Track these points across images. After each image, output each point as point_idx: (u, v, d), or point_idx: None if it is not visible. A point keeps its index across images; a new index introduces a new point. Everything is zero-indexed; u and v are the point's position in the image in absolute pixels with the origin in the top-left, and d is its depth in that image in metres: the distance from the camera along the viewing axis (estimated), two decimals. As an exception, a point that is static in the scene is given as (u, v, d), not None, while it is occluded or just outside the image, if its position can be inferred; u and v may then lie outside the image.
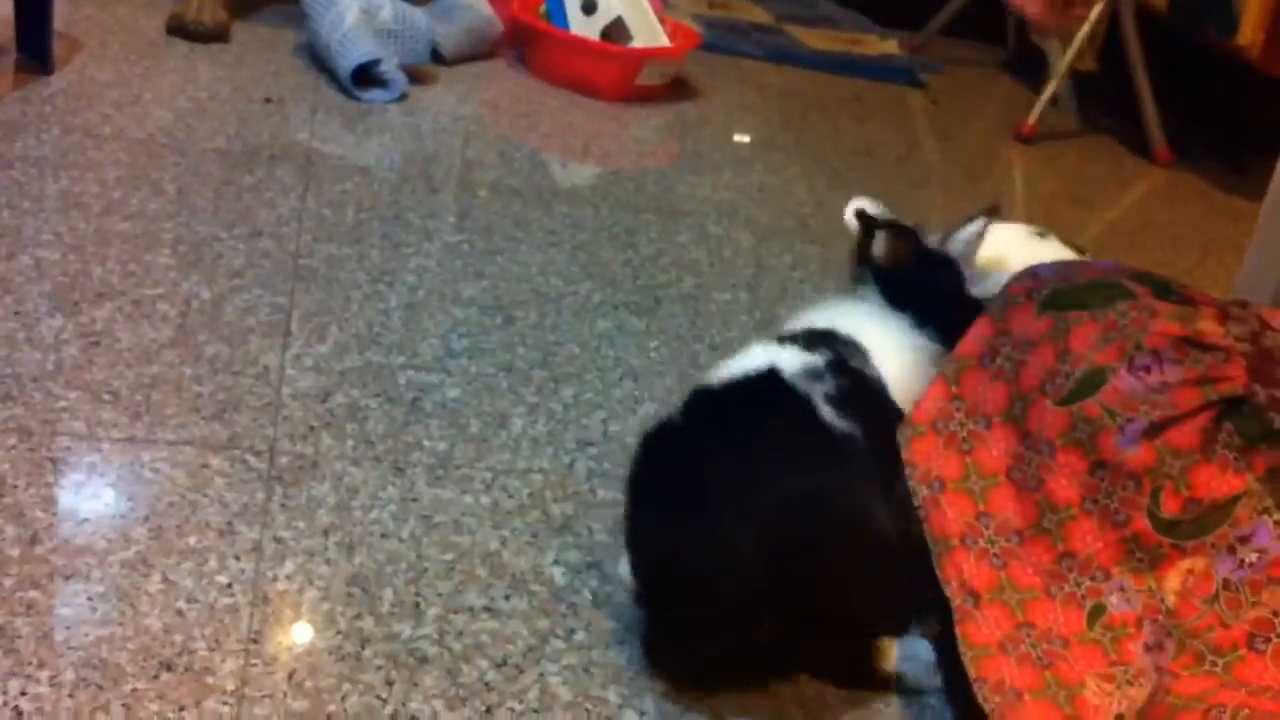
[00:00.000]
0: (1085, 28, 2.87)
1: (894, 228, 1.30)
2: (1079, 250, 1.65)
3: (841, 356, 1.17)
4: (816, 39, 3.30)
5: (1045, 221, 2.50)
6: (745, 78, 2.91)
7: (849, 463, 1.10)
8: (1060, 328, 1.15)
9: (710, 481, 1.06)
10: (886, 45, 3.35)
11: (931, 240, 1.31)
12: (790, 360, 1.15)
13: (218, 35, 2.40)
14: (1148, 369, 1.10)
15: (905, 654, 1.18)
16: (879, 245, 1.28)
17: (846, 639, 1.15)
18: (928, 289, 1.28)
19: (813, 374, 1.13)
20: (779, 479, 1.06)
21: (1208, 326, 1.13)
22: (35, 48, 2.12)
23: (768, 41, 3.19)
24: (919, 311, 1.26)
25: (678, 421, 1.14)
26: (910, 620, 1.17)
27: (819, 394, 1.12)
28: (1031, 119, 2.79)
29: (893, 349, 1.23)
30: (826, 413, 1.11)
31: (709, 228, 2.06)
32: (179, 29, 2.38)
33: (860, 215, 1.34)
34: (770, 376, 1.14)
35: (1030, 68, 3.15)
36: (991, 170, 2.67)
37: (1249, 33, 2.65)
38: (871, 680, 1.15)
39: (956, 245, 1.32)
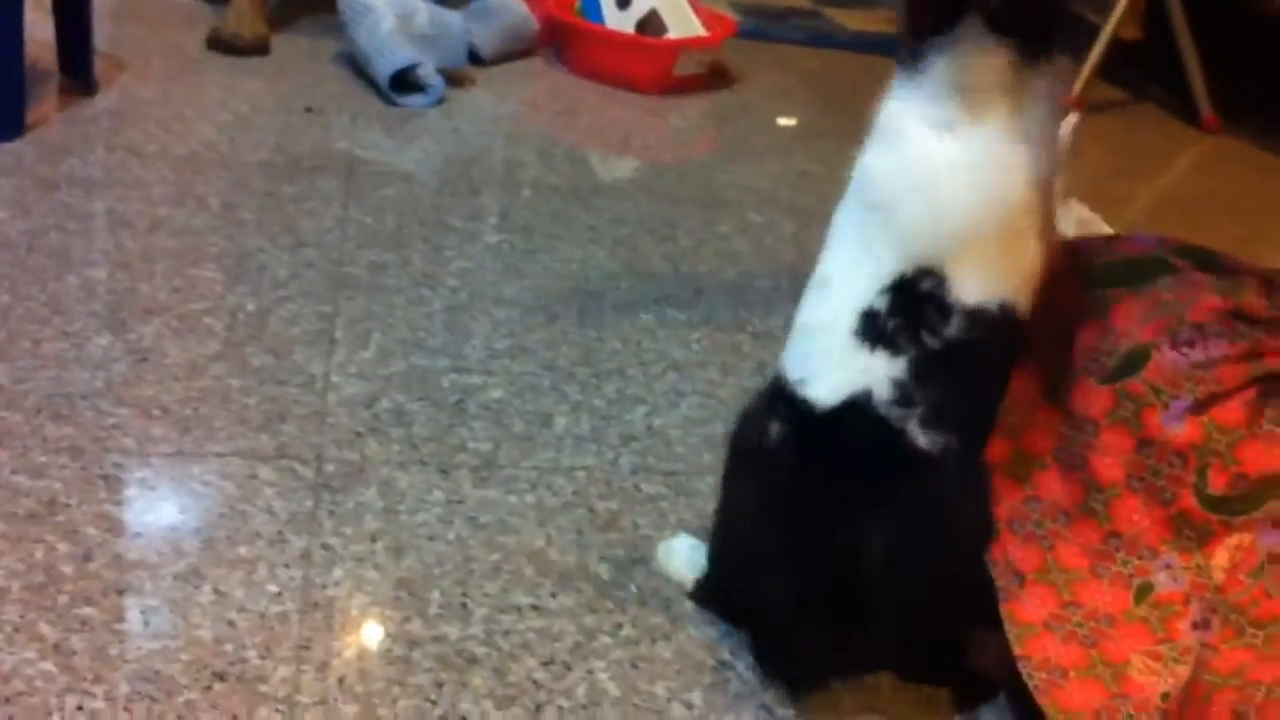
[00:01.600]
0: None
1: None
2: None
3: (930, 337, 1.03)
4: (855, 20, 3.28)
5: (1094, 194, 2.48)
6: (784, 63, 2.90)
7: (945, 485, 1.06)
8: (1102, 305, 1.13)
9: (822, 519, 1.05)
10: (927, 23, 3.32)
11: None
12: (879, 380, 1.04)
13: (258, 48, 2.42)
14: (1192, 344, 1.08)
15: None
16: None
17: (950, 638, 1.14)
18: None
19: (904, 399, 1.03)
20: (884, 528, 1.04)
21: (1252, 299, 1.12)
22: (78, 69, 2.15)
23: (806, 25, 3.18)
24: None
25: (774, 445, 1.07)
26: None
27: (913, 423, 1.04)
28: (1076, 90, 2.76)
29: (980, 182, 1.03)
30: (923, 441, 1.03)
31: (750, 216, 2.05)
32: (219, 44, 2.41)
33: None
34: (863, 410, 1.04)
35: (1072, 37, 3.11)
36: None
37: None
38: (970, 676, 1.15)
39: None
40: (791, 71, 2.85)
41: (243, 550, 1.16)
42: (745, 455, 1.10)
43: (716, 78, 2.68)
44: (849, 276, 1.07)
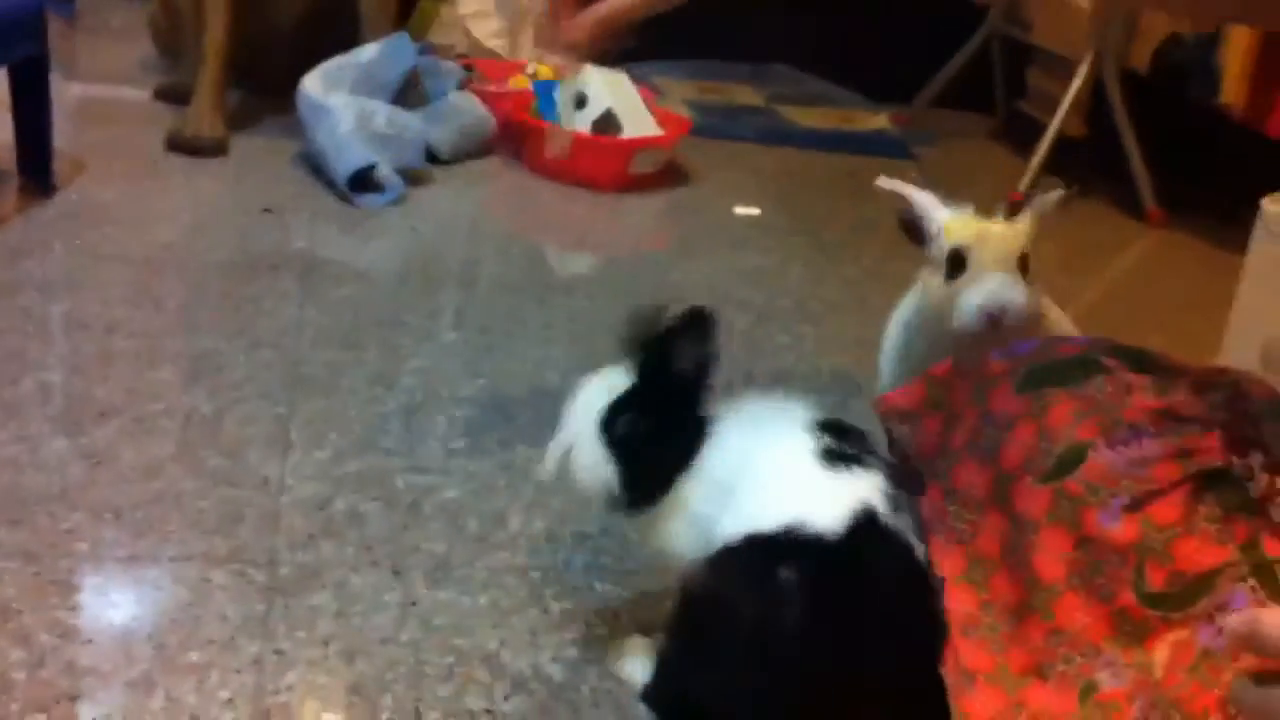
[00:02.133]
0: (1071, 93, 2.91)
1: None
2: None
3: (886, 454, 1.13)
4: (808, 117, 3.35)
5: (1044, 289, 2.53)
6: (738, 160, 2.95)
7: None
8: (1038, 406, 1.16)
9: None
10: (878, 120, 3.40)
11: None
12: (876, 495, 1.07)
13: (217, 149, 2.45)
14: (1126, 443, 1.11)
15: None
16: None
17: None
18: None
19: (896, 505, 1.07)
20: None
21: (1184, 398, 1.15)
22: (37, 169, 2.18)
23: (759, 123, 3.24)
24: None
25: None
26: None
27: (909, 529, 1.08)
28: (1022, 186, 2.83)
29: None
30: (920, 550, 1.08)
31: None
32: (179, 144, 2.44)
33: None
34: (871, 524, 1.05)
35: (1020, 135, 3.19)
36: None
37: (1231, 92, 2.69)
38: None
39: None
40: (744, 168, 2.90)
41: (195, 656, 1.16)
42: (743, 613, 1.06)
43: (671, 175, 2.73)
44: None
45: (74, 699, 1.09)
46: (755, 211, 2.65)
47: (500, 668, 1.20)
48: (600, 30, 1.27)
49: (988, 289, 1.40)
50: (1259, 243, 1.68)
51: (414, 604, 1.27)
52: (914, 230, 1.49)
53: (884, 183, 1.51)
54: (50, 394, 1.56)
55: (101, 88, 2.87)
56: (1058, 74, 3.11)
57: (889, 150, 3.16)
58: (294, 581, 1.28)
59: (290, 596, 1.25)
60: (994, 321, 1.41)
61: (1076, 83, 2.91)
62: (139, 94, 2.80)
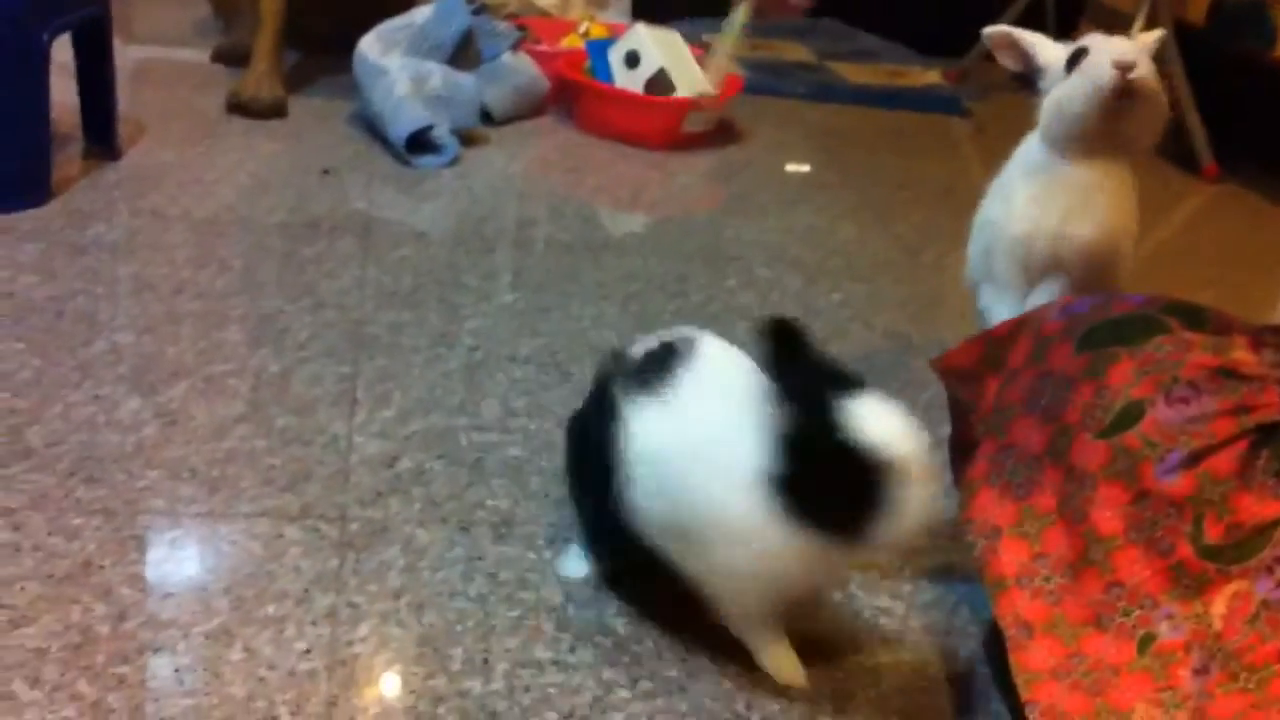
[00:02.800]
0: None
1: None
2: None
3: None
4: (859, 73, 3.34)
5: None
6: (789, 117, 2.95)
7: None
8: (1098, 364, 1.18)
9: None
10: (929, 76, 3.38)
11: None
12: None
13: (275, 111, 2.48)
14: (1185, 400, 1.13)
15: None
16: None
17: None
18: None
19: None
20: None
21: (1241, 355, 1.16)
22: (101, 134, 2.21)
23: (810, 79, 3.24)
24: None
25: None
26: None
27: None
28: (1076, 142, 2.81)
29: None
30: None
31: (757, 271, 2.10)
32: (238, 106, 2.47)
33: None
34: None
35: (1073, 89, 3.17)
36: (1038, 195, 2.70)
37: (1289, 44, 2.66)
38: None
39: None
40: (795, 125, 2.90)
41: (271, 609, 1.20)
42: None
43: (723, 133, 2.74)
44: None
45: (156, 651, 1.13)
46: (806, 168, 2.66)
47: (566, 620, 1.23)
48: None
49: (1118, 48, 1.47)
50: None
51: (480, 558, 1.30)
52: (1025, 69, 1.54)
53: (990, 30, 1.53)
54: (122, 354, 1.60)
55: (159, 49, 2.90)
56: (1112, 27, 3.07)
57: (941, 106, 3.15)
58: (364, 537, 1.31)
59: (361, 551, 1.29)
60: (1124, 83, 1.45)
61: (1131, 37, 2.88)
62: (197, 55, 2.83)
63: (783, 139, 2.80)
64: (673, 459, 1.12)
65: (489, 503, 1.40)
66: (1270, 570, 1.04)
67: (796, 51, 3.47)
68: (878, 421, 1.02)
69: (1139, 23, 2.88)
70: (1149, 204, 2.72)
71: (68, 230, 1.90)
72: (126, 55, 2.73)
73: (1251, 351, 1.18)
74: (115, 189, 2.08)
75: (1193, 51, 2.88)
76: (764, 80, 3.12)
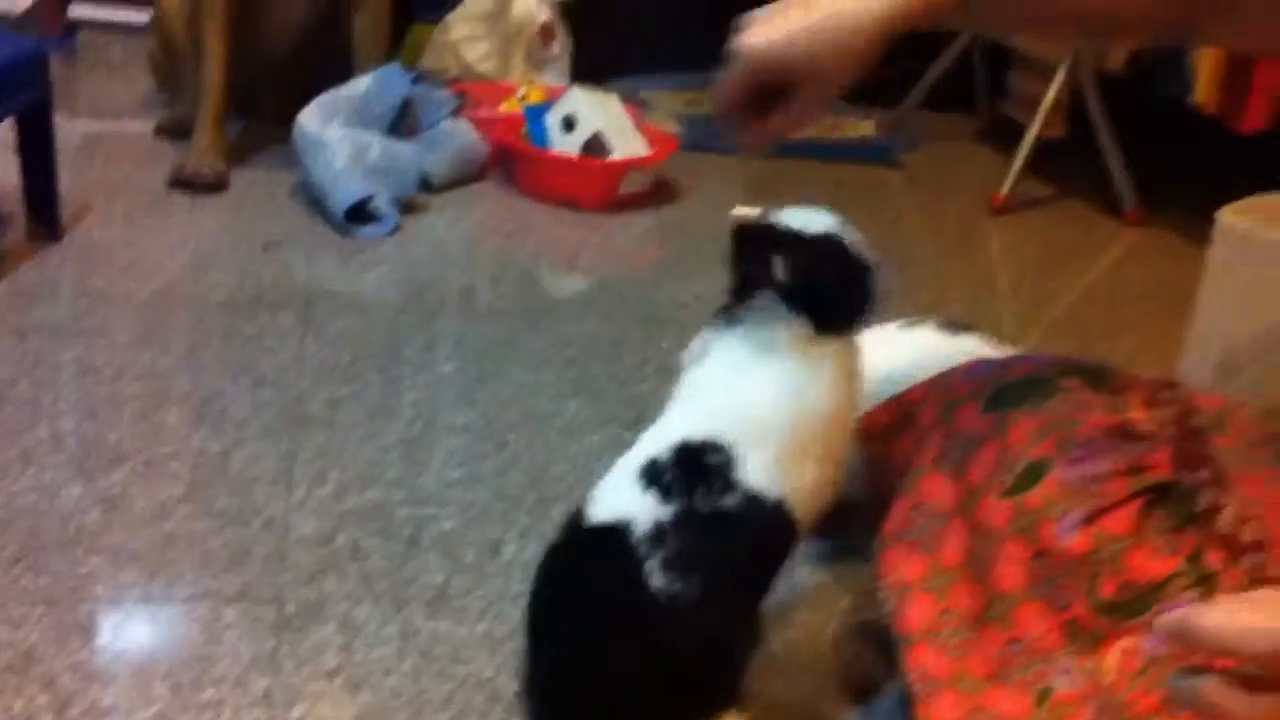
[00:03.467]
0: (1050, 95, 2.97)
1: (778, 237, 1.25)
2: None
3: (697, 499, 1.15)
4: (795, 126, 3.40)
5: (1022, 291, 2.60)
6: (725, 173, 3.01)
7: (663, 627, 1.13)
8: (1002, 425, 1.23)
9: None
10: (863, 126, 3.46)
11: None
12: (643, 515, 1.14)
13: (218, 185, 2.53)
14: (1082, 460, 1.18)
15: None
16: (780, 267, 1.21)
17: None
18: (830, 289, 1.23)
19: (658, 536, 1.12)
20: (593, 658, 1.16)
21: (1136, 415, 1.22)
22: (44, 213, 2.24)
23: (747, 134, 3.30)
24: (824, 313, 1.22)
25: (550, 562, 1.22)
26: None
27: (657, 559, 1.12)
28: (1004, 190, 2.89)
29: (783, 397, 1.20)
30: (658, 579, 1.11)
31: (692, 332, 2.14)
32: (181, 181, 2.51)
33: (747, 229, 1.28)
34: (621, 534, 1.14)
35: (1003, 137, 3.25)
36: (969, 245, 2.77)
37: (1203, 91, 2.75)
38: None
39: None
40: (733, 181, 2.97)
41: (209, 693, 1.23)
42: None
43: (660, 191, 2.80)
44: (658, 425, 1.24)
45: (97, 738, 1.17)
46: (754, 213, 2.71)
47: (496, 693, 1.27)
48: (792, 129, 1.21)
49: None
50: (1215, 254, 1.74)
51: (414, 634, 1.34)
52: None
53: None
54: (64, 440, 1.63)
55: (104, 123, 2.94)
56: (1038, 76, 3.16)
57: (874, 156, 3.22)
58: (300, 617, 1.35)
59: (297, 631, 1.33)
60: None
61: (1055, 85, 2.97)
62: (141, 127, 2.87)
63: (719, 195, 2.86)
64: None
65: (423, 578, 1.44)
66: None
67: (734, 105, 3.54)
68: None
69: (1061, 73, 2.96)
70: (1072, 249, 2.81)
71: (10, 315, 1.93)
72: (71, 129, 2.76)
73: (1146, 410, 1.24)
74: (58, 269, 2.12)
75: (1114, 98, 2.97)
76: (700, 136, 3.18)
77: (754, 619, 1.20)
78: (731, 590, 1.16)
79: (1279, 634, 0.70)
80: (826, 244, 1.23)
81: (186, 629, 1.32)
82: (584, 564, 1.19)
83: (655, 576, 1.11)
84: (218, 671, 1.26)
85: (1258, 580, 1.09)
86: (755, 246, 1.24)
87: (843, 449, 1.24)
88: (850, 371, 1.24)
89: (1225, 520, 1.13)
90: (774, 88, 1.14)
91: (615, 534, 1.14)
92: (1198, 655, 0.76)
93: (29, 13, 3.45)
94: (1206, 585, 1.11)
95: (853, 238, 1.24)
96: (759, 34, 1.13)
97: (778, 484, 1.17)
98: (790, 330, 1.21)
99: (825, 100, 1.15)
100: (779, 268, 1.21)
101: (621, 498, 1.17)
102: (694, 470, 1.16)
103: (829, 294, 1.22)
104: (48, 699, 1.20)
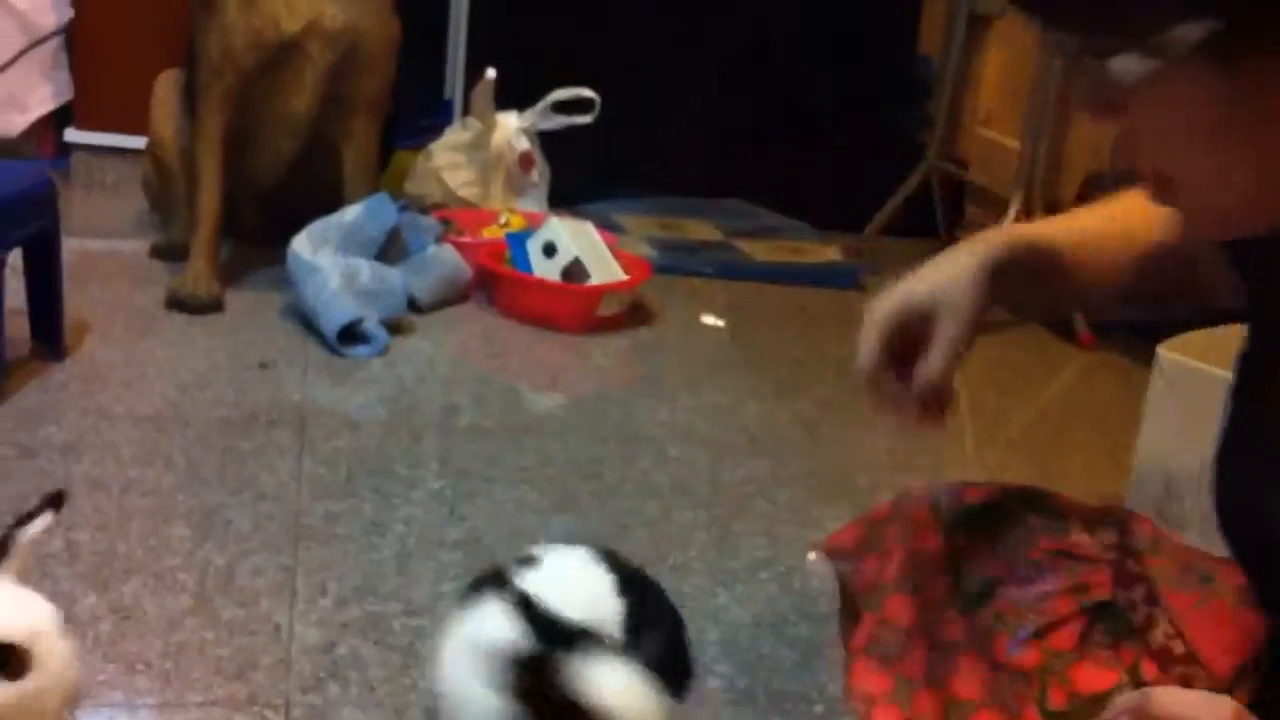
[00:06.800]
0: (1007, 224, 3.14)
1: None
2: None
3: None
4: (763, 250, 3.56)
5: (975, 409, 2.72)
6: (697, 296, 3.16)
7: None
8: (957, 547, 1.35)
9: None
10: (829, 251, 3.61)
11: None
12: None
13: (213, 305, 2.64)
14: (1030, 580, 1.30)
15: None
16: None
17: None
18: None
19: None
20: None
21: (1079, 538, 1.34)
22: (48, 335, 2.35)
23: (717, 258, 3.45)
24: None
25: None
26: None
27: None
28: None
29: None
30: None
31: (668, 451, 2.27)
32: (177, 303, 2.63)
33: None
34: None
35: (960, 263, 3.40)
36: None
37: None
38: None
39: None
40: (704, 304, 3.11)
41: (224, 794, 1.32)
42: None
43: (636, 313, 2.93)
44: None
45: (120, 836, 1.25)
46: (721, 323, 2.86)
47: (492, 794, 1.36)
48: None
49: None
50: (1156, 388, 1.87)
51: (414, 739, 1.44)
52: None
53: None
54: (78, 552, 1.72)
55: (99, 243, 3.06)
56: (992, 207, 3.34)
57: (838, 281, 3.37)
58: (307, 722, 1.44)
59: (305, 736, 1.42)
60: None
61: (1009, 217, 3.14)
62: (135, 247, 2.98)
63: (691, 319, 3.00)
64: None
65: (421, 685, 1.53)
66: (1104, 734, 1.20)
67: (704, 230, 3.69)
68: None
69: (1014, 205, 3.13)
70: (1026, 371, 2.95)
71: (19, 433, 2.03)
72: (66, 247, 2.87)
73: (1087, 533, 1.35)
74: (62, 390, 2.22)
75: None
76: (673, 260, 3.33)
77: None
78: None
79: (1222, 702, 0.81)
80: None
81: (200, 733, 1.41)
82: None
83: None
84: (232, 773, 1.35)
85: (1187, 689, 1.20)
86: None
87: None
88: None
89: (1159, 635, 1.24)
90: (909, 343, 1.21)
91: None
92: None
93: (23, 134, 3.59)
94: (1144, 694, 1.22)
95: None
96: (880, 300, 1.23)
97: None
98: None
99: (962, 331, 1.19)
100: None
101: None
102: None
103: None
104: (72, 800, 1.29)
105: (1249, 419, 1.19)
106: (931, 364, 1.19)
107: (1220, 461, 1.21)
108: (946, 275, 1.22)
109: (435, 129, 3.47)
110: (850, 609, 1.52)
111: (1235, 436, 1.20)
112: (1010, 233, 1.26)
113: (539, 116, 3.39)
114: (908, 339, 1.21)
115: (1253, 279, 1.15)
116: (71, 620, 1.53)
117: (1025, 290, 1.29)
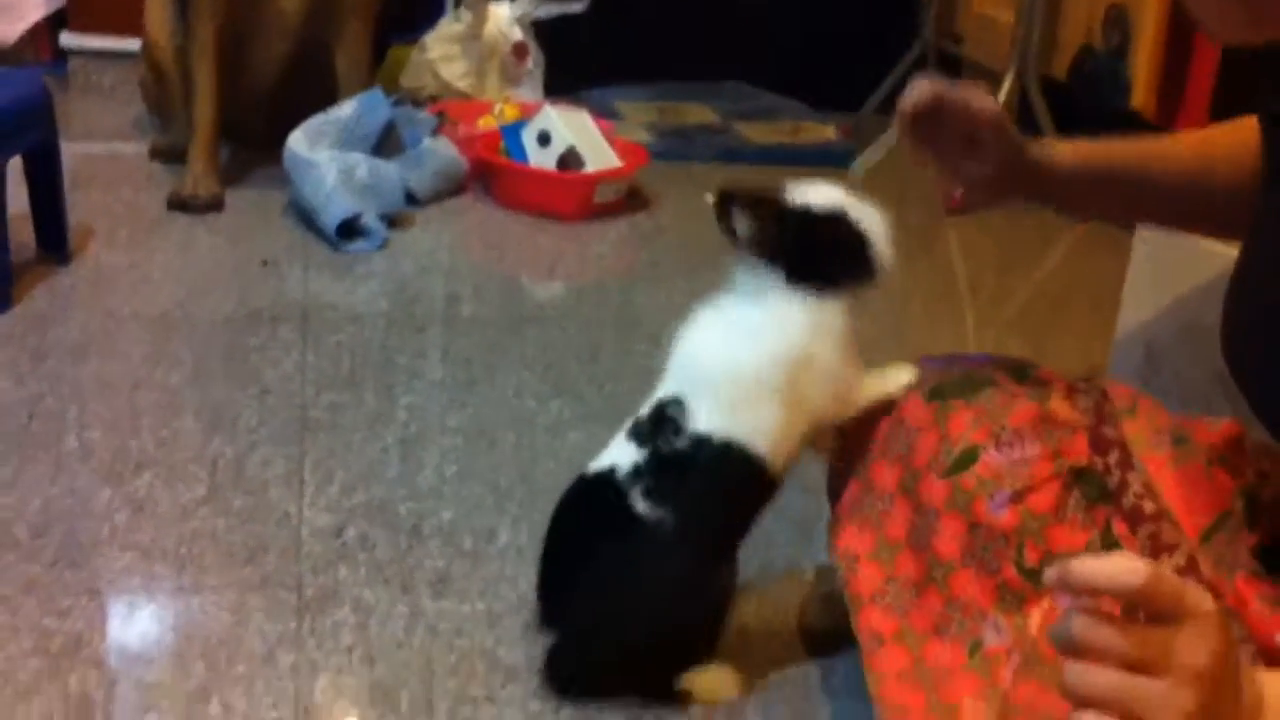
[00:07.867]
0: (999, 101, 3.14)
1: (749, 198, 1.37)
2: None
3: (664, 443, 1.36)
4: (759, 133, 3.57)
5: (978, 291, 2.75)
6: (695, 181, 3.17)
7: (653, 547, 1.34)
8: (942, 414, 1.39)
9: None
10: (825, 131, 3.62)
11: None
12: (625, 460, 1.36)
13: (214, 205, 2.67)
14: (1011, 445, 1.34)
15: None
16: (740, 222, 1.37)
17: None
18: (798, 245, 1.37)
19: (635, 473, 1.35)
20: (596, 572, 1.37)
21: (1058, 405, 1.38)
22: (53, 240, 2.39)
23: (714, 143, 3.46)
24: (792, 268, 1.37)
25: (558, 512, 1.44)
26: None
27: (638, 490, 1.34)
28: (958, 191, 3.05)
29: (745, 355, 1.38)
30: (641, 506, 1.33)
31: (664, 336, 2.30)
32: (179, 204, 2.66)
33: (721, 197, 1.39)
34: (606, 479, 1.37)
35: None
36: (928, 248, 2.93)
37: (1141, 95, 2.92)
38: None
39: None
40: (701, 189, 3.11)
41: (241, 668, 1.39)
42: None
43: (633, 201, 2.95)
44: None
45: (146, 710, 1.32)
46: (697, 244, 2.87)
47: (496, 662, 1.43)
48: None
49: None
50: (1136, 254, 1.90)
51: (421, 613, 1.50)
52: None
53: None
54: (91, 449, 1.78)
55: (99, 146, 3.09)
56: (987, 83, 3.33)
57: (834, 160, 3.38)
58: (318, 601, 1.50)
59: (316, 614, 1.48)
60: None
61: (1003, 92, 3.14)
62: (135, 150, 3.01)
63: (689, 204, 3.02)
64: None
65: (427, 564, 1.59)
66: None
67: (702, 114, 3.70)
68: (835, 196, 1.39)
69: (1008, 80, 3.13)
70: (1024, 248, 2.98)
71: (29, 336, 2.08)
72: (67, 152, 2.90)
73: (1066, 401, 1.40)
74: (69, 293, 2.26)
75: (1058, 105, 3.14)
76: (671, 146, 3.34)
77: (730, 553, 1.40)
78: (704, 522, 1.36)
79: (1143, 570, 0.84)
80: (794, 203, 1.38)
81: (216, 614, 1.47)
82: (583, 502, 1.41)
83: (639, 504, 1.33)
84: (247, 650, 1.41)
85: (1155, 545, 1.25)
86: (725, 209, 1.39)
87: (817, 396, 1.40)
88: (826, 325, 1.39)
89: (1130, 496, 1.29)
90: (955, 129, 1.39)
91: (606, 476, 1.37)
92: (1104, 607, 0.89)
93: (20, 41, 3.59)
94: (1112, 552, 1.27)
95: (835, 203, 1.39)
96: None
97: (728, 427, 1.35)
98: (757, 283, 1.39)
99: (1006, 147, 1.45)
100: (741, 223, 1.37)
101: (611, 452, 1.39)
102: (658, 421, 1.38)
103: (796, 249, 1.37)
104: (97, 677, 1.35)
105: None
106: (977, 169, 1.45)
107: (1237, 282, 1.26)
108: None
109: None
110: (840, 477, 1.57)
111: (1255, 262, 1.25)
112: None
113: (531, 4, 3.38)
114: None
115: None
116: (89, 513, 1.60)
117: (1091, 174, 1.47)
